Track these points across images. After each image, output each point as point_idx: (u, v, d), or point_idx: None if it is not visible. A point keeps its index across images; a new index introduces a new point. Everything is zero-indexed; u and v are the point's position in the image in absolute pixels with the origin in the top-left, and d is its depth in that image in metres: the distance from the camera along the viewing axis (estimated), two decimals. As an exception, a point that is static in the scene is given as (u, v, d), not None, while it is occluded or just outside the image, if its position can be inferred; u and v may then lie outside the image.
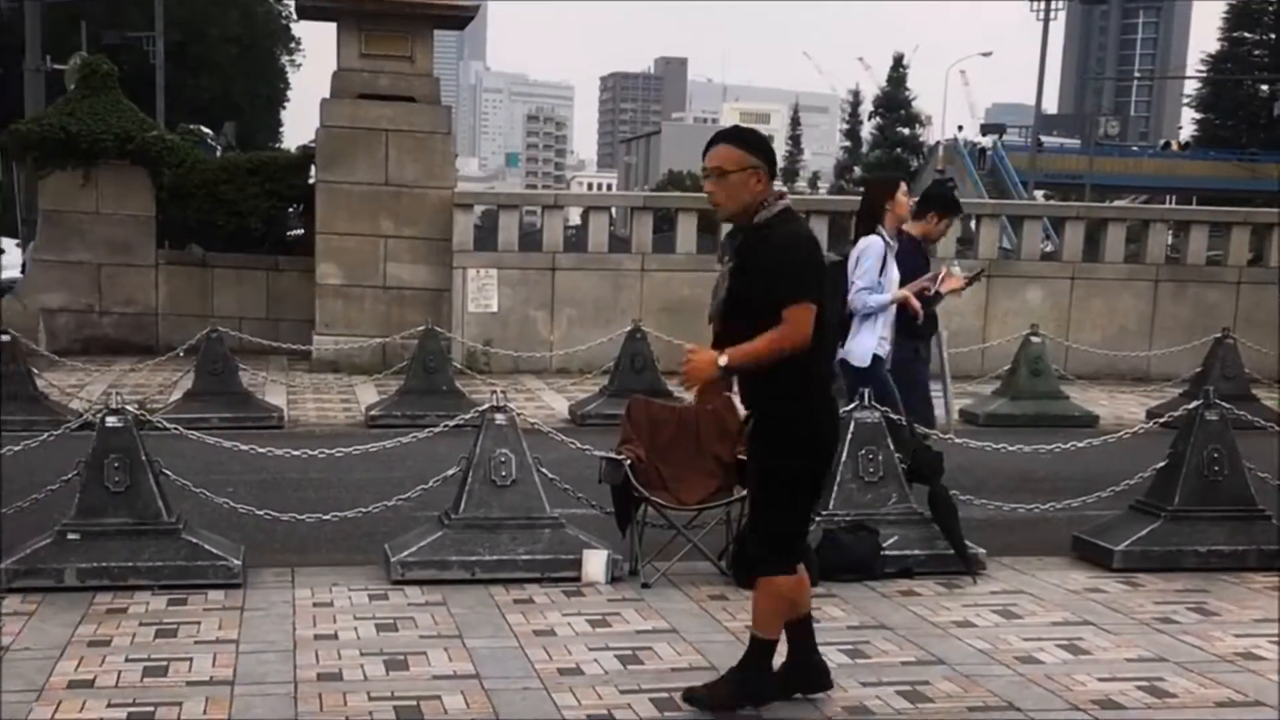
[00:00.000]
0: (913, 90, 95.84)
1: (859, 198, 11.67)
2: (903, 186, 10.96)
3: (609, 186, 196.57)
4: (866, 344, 10.54)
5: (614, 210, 27.31)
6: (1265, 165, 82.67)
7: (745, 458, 6.85)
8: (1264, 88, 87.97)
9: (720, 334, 6.45)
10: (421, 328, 17.81)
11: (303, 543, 10.25)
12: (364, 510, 9.72)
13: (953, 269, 11.64)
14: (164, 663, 7.14)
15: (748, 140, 6.51)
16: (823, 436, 6.47)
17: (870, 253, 10.54)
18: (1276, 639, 7.96)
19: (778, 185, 6.57)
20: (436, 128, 22.81)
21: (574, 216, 30.68)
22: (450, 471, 9.46)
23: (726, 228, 6.65)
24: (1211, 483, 9.79)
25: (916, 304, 10.93)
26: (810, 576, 8.84)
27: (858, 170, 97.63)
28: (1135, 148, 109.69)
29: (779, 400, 6.38)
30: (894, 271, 10.70)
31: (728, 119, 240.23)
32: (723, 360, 6.22)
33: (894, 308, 10.70)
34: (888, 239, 10.65)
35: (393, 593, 8.63)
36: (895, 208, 10.74)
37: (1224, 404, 10.04)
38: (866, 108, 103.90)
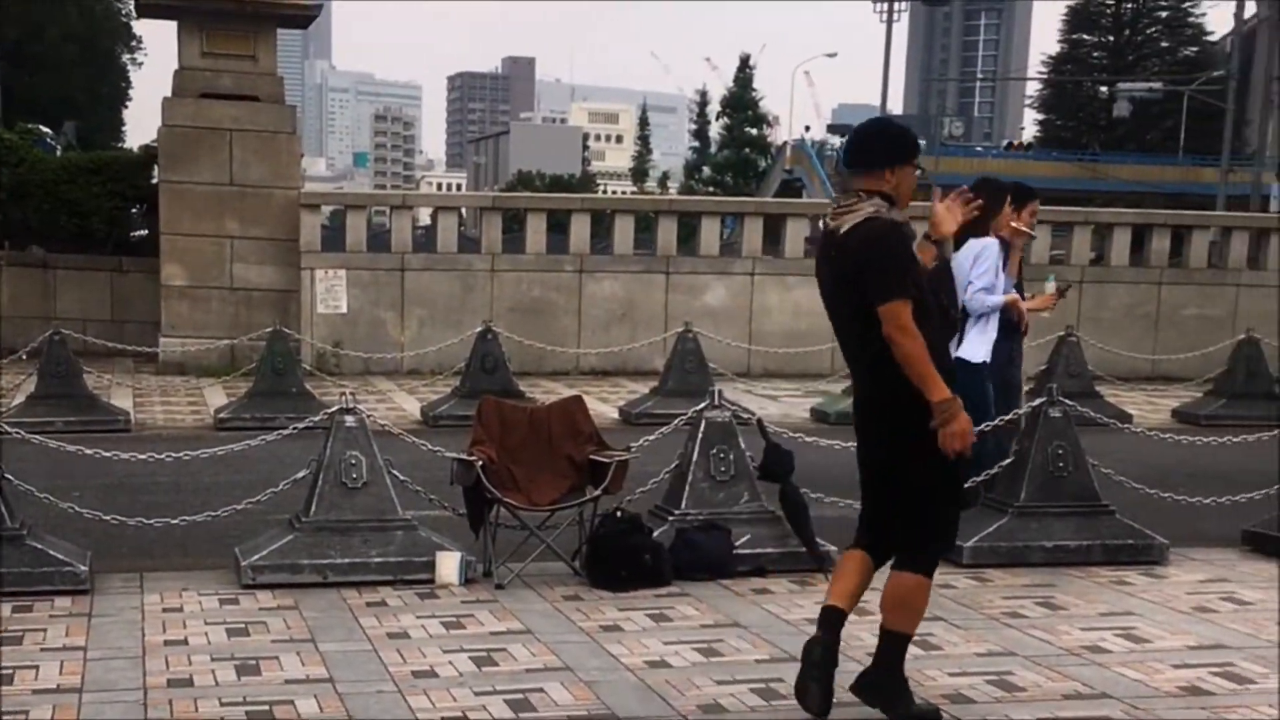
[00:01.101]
0: (760, 91, 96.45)
1: (710, 197, 11.72)
2: (1010, 195, 11.07)
3: (458, 186, 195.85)
4: (982, 344, 10.64)
5: (463, 210, 27.23)
6: (1105, 165, 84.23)
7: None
8: (1103, 89, 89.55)
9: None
10: (269, 329, 17.64)
11: (151, 547, 10.10)
12: (213, 514, 9.60)
13: (1046, 286, 11.71)
14: (9, 671, 7.01)
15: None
16: None
17: (989, 254, 10.62)
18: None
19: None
20: (281, 127, 22.61)
21: (423, 217, 30.50)
22: (300, 474, 9.38)
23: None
24: (1056, 479, 9.97)
25: (1024, 307, 11.09)
26: (663, 576, 8.93)
27: (706, 170, 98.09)
28: (979, 148, 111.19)
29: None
30: (1004, 274, 10.82)
31: (576, 119, 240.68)
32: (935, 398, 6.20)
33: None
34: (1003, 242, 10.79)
35: (243, 597, 8.54)
36: (1004, 215, 10.84)
37: (1067, 401, 10.22)
38: (714, 108, 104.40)
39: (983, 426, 10.24)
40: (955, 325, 7.00)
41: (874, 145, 6.50)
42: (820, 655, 6.46)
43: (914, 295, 6.15)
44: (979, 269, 10.54)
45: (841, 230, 6.32)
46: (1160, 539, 10.13)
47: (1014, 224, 11.01)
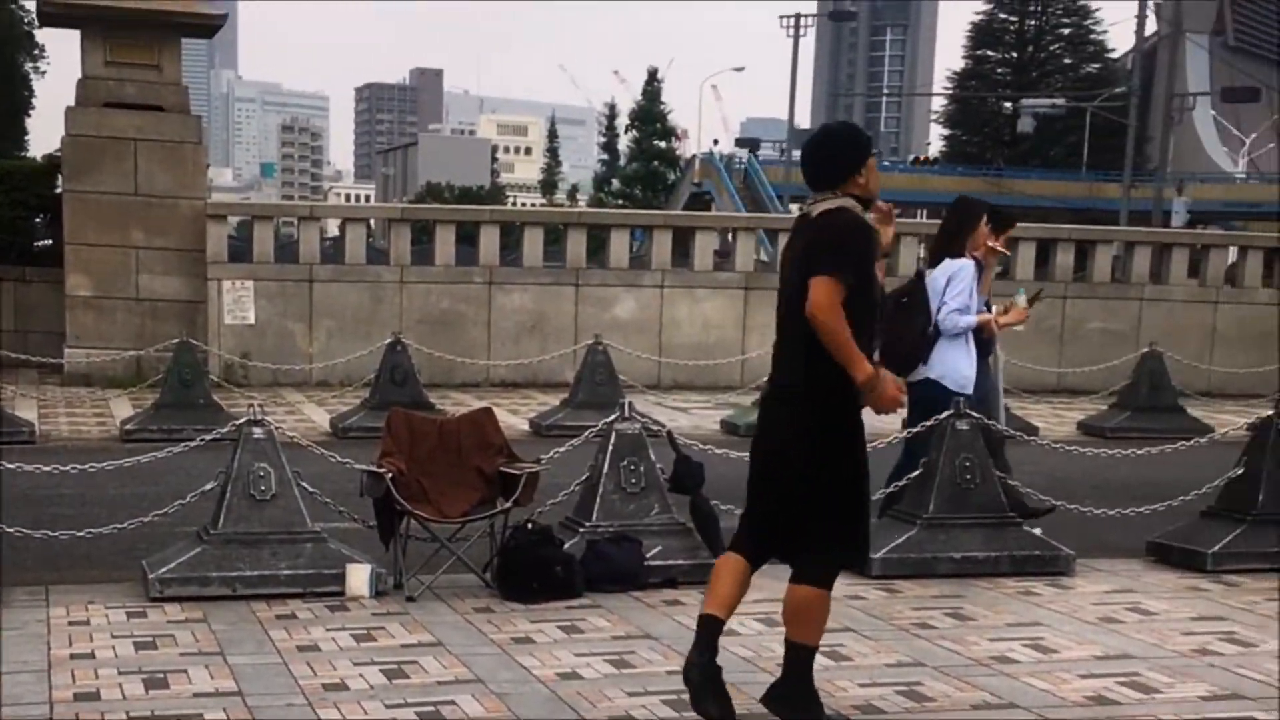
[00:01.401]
0: (668, 104, 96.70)
1: (619, 210, 11.78)
2: (985, 215, 11.16)
3: (366, 198, 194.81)
4: (964, 368, 10.69)
5: (372, 222, 27.17)
6: (1010, 180, 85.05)
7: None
8: (1007, 105, 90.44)
9: None
10: (176, 340, 17.50)
11: (57, 561, 9.98)
12: (120, 526, 9.49)
13: (1018, 300, 11.75)
14: (-89, 687, 6.91)
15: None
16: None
17: (963, 275, 10.66)
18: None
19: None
20: (187, 137, 22.45)
21: (332, 228, 30.39)
22: (208, 486, 9.29)
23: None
24: (964, 491, 10.05)
25: (995, 327, 11.24)
26: (574, 588, 8.93)
27: (615, 182, 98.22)
28: (886, 162, 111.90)
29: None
30: (977, 295, 10.87)
31: (485, 131, 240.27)
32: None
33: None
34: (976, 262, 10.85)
35: (151, 610, 8.45)
36: (979, 234, 10.93)
37: (974, 414, 10.30)
38: (623, 121, 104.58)
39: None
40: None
41: (836, 162, 6.53)
42: (698, 676, 6.46)
43: (851, 285, 6.21)
44: (954, 289, 10.61)
45: (814, 214, 6.43)
46: (1067, 550, 10.24)
47: (989, 243, 11.14)
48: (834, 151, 6.55)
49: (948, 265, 10.73)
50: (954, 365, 10.65)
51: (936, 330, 10.61)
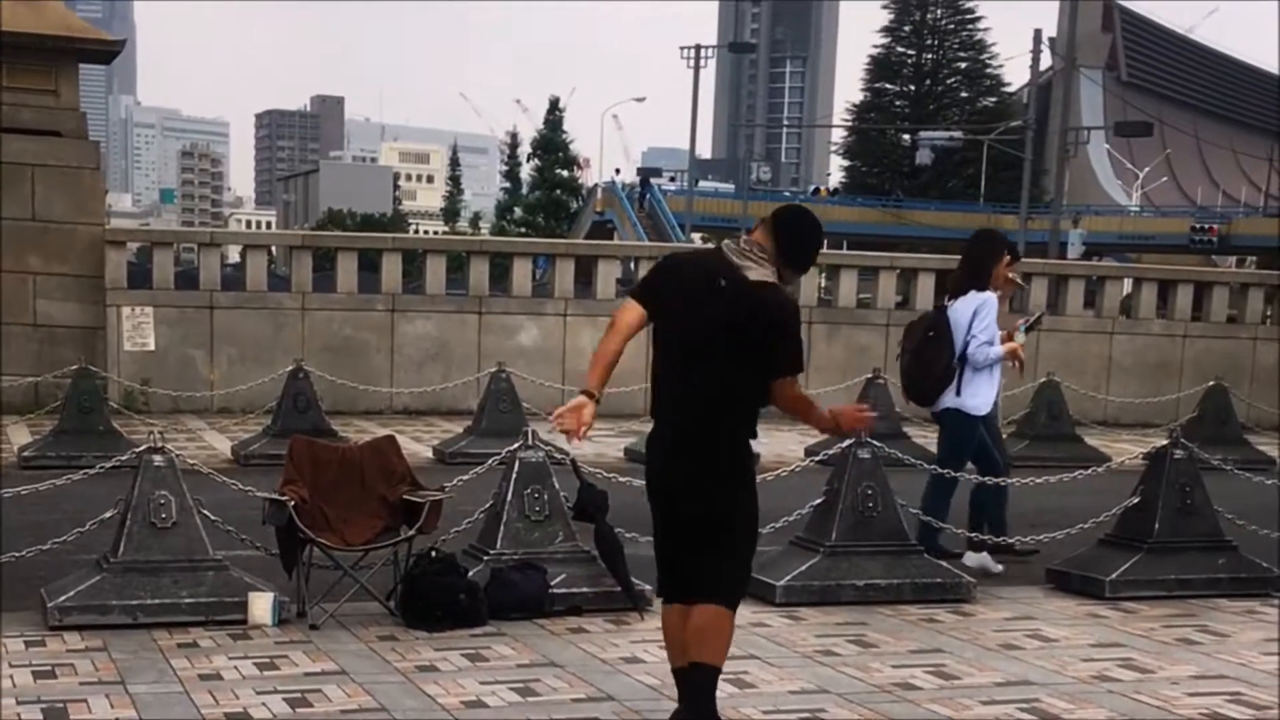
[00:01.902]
0: (570, 133, 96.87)
1: (522, 238, 11.85)
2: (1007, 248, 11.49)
3: (268, 224, 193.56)
4: (988, 395, 11.11)
5: (273, 249, 27.02)
6: (909, 211, 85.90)
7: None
8: (906, 137, 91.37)
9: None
10: (75, 367, 17.32)
11: (-49, 590, 9.84)
12: (18, 554, 9.37)
13: (1017, 336, 11.84)
14: None
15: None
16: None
17: (989, 307, 11.00)
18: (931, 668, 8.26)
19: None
20: (85, 163, 22.26)
21: (233, 254, 30.21)
22: (108, 514, 9.20)
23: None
24: (866, 519, 10.11)
25: (1023, 357, 11.68)
26: (479, 616, 8.91)
27: (518, 210, 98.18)
28: (787, 193, 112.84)
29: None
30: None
31: (386, 159, 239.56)
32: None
33: None
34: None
35: (50, 639, 8.35)
36: (1002, 267, 11.22)
37: (876, 443, 10.39)
38: (525, 149, 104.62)
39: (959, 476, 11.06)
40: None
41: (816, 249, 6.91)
42: None
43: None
44: (981, 321, 10.99)
45: (750, 279, 6.48)
46: (968, 577, 10.35)
47: (1008, 275, 11.41)
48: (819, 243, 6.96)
49: (973, 298, 11.07)
50: (978, 392, 11.12)
51: (961, 361, 10.95)
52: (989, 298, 11.04)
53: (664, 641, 6.87)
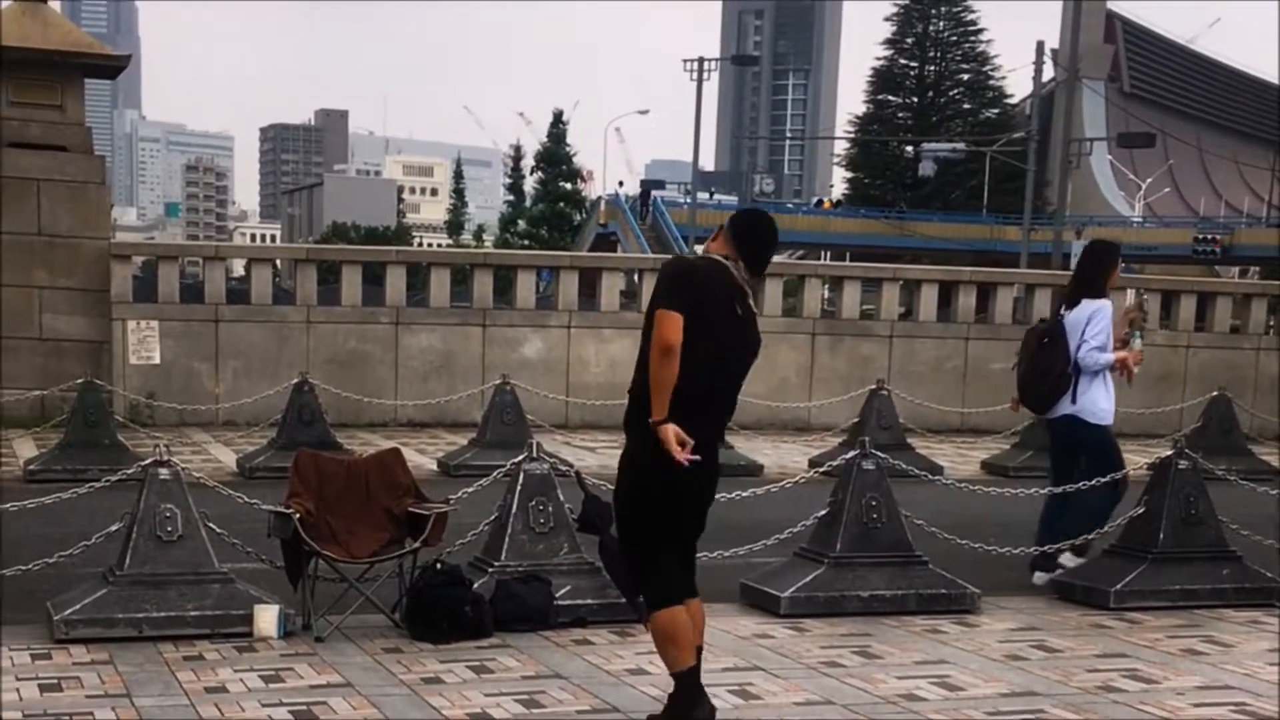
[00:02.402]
0: (573, 146, 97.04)
1: (526, 251, 11.90)
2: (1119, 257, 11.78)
3: (272, 238, 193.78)
4: (1105, 402, 11.19)
5: (278, 262, 27.05)
6: (912, 223, 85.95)
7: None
8: (908, 149, 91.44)
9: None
10: (81, 380, 17.35)
11: (-42, 603, 9.85)
12: (24, 568, 9.38)
13: (1134, 343, 11.89)
14: None
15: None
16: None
17: (1103, 314, 11.14)
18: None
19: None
20: (90, 177, 22.30)
21: (237, 268, 30.21)
22: (114, 527, 9.22)
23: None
24: (870, 530, 10.12)
25: (1132, 365, 11.52)
26: (484, 628, 8.93)
27: (522, 223, 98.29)
28: (790, 205, 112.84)
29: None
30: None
31: (390, 172, 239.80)
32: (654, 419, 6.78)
33: None
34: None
35: (56, 652, 8.37)
36: (1114, 274, 11.48)
37: (880, 454, 10.40)
38: (529, 162, 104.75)
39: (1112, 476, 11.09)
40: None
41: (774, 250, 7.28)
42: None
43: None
44: (1094, 328, 11.13)
45: (752, 306, 7.00)
46: (973, 588, 10.34)
47: (1131, 311, 11.68)
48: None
49: (1087, 305, 11.23)
50: (1093, 400, 11.19)
51: (1075, 369, 11.10)
52: (1103, 304, 11.25)
53: (679, 644, 6.94)
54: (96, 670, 8.01)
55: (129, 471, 9.92)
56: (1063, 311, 11.47)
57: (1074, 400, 11.21)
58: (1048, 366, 11.22)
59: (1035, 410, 11.86)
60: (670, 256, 6.78)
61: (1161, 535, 10.58)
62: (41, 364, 21.68)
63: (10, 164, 21.77)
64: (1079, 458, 11.46)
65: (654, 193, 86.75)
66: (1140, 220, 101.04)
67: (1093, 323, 11.13)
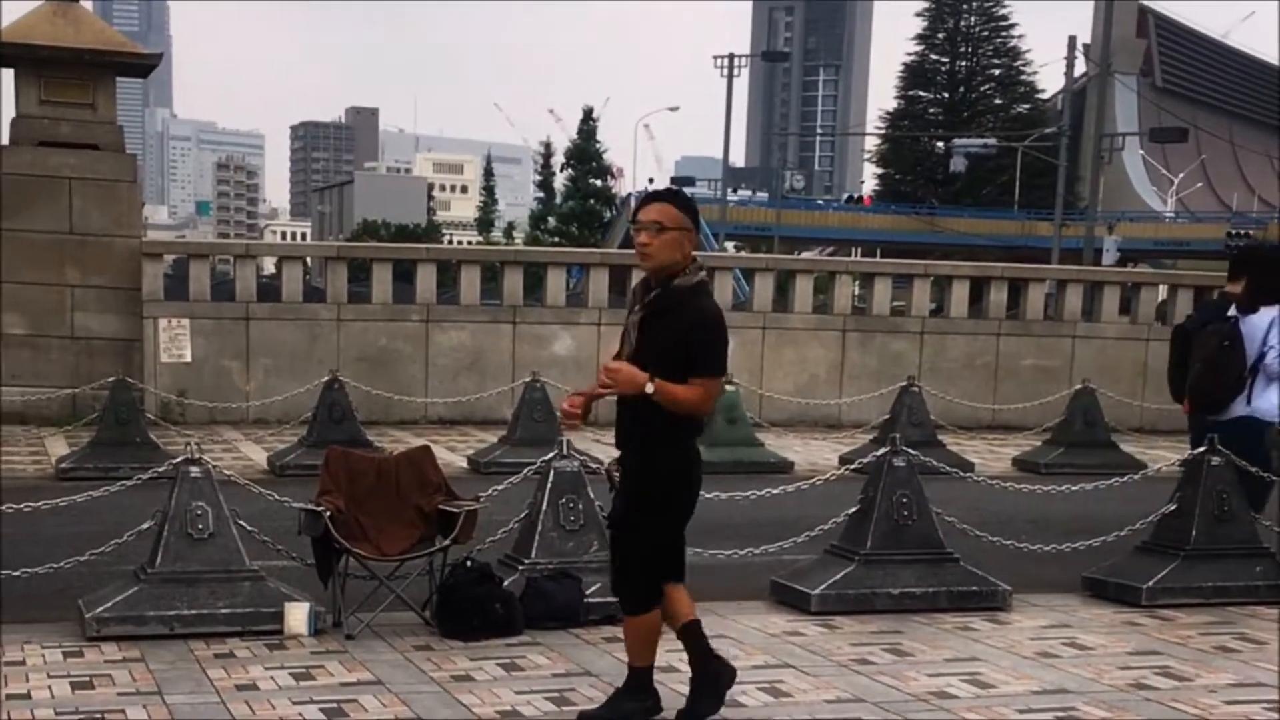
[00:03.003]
0: (603, 143, 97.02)
1: (556, 248, 11.93)
2: None
3: (303, 236, 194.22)
4: (1274, 401, 11.18)
5: (308, 260, 27.09)
6: (943, 219, 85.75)
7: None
8: (939, 144, 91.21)
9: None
10: (112, 379, 17.41)
11: (-9, 601, 9.89)
12: (56, 566, 9.42)
13: None
14: None
15: (685, 204, 6.94)
16: (694, 475, 7.10)
17: None
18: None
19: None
20: (122, 176, 22.36)
21: (268, 265, 30.29)
22: (145, 525, 9.25)
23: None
24: (901, 527, 10.09)
25: None
26: (514, 625, 8.92)
27: (551, 220, 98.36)
28: (820, 201, 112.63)
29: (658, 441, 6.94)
30: None
31: (421, 169, 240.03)
32: (650, 388, 6.66)
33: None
34: None
35: (88, 649, 8.40)
36: None
37: (910, 451, 10.37)
38: (559, 159, 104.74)
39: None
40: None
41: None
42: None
43: None
44: (1276, 335, 11.12)
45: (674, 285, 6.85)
46: (1003, 586, 10.30)
47: None
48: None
49: (1266, 312, 11.23)
50: (1269, 401, 11.18)
51: (1253, 371, 11.15)
52: None
53: (653, 645, 7.22)
54: (128, 668, 8.03)
55: (160, 469, 9.95)
56: (1240, 315, 11.43)
57: (1249, 402, 11.21)
58: (1226, 369, 11.22)
59: (1208, 413, 11.78)
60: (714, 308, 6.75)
61: (1194, 532, 10.53)
62: (73, 362, 21.77)
63: (42, 163, 21.85)
64: (1259, 452, 11.40)
65: (685, 190, 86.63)
66: (1173, 215, 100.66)
67: (1274, 330, 11.14)
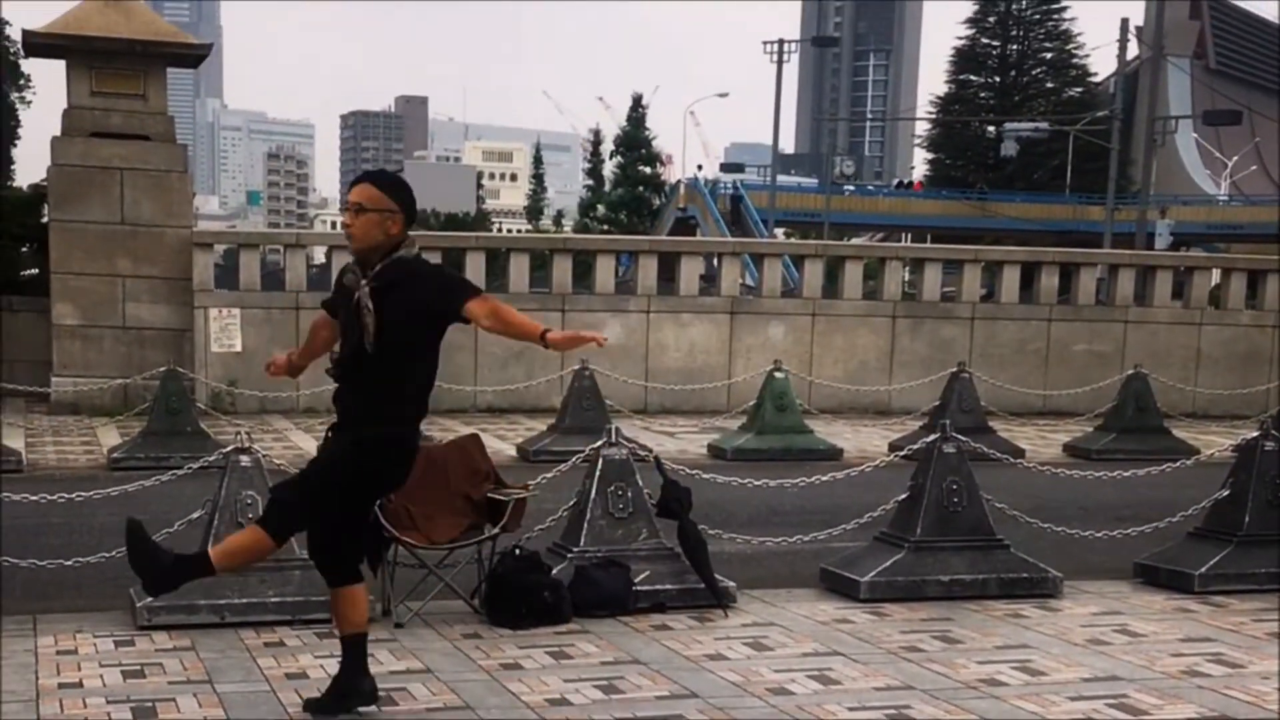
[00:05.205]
0: (652, 130, 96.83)
1: (605, 236, 11.93)
2: None
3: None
4: None
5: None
6: (994, 204, 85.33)
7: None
8: (990, 129, 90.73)
9: (351, 366, 7.04)
10: (163, 368, 17.51)
11: (45, 589, 9.93)
12: (107, 555, 9.45)
13: None
14: (-101, 717, 6.89)
15: (388, 184, 6.97)
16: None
17: None
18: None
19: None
20: (173, 166, 22.49)
21: (318, 255, 30.37)
22: (195, 515, 9.30)
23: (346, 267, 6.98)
24: (951, 513, 10.05)
25: None
26: (563, 613, 8.92)
27: (601, 208, 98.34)
28: (870, 186, 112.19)
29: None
30: None
31: (470, 158, 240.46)
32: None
33: None
34: None
35: (139, 638, 8.44)
36: None
37: (960, 437, 10.33)
38: (608, 147, 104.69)
39: None
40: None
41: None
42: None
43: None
44: None
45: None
46: (1054, 572, 10.25)
47: None
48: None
49: None
50: None
51: None
52: None
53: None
54: (179, 657, 8.07)
55: (210, 459, 10.02)
56: None
57: None
58: None
59: None
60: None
61: (1247, 518, 10.46)
62: (125, 352, 21.92)
63: (93, 154, 22.00)
64: None
65: (733, 176, 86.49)
66: (1226, 199, 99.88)
67: None
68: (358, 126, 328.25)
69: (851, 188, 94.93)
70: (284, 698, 7.31)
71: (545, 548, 9.76)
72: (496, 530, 9.18)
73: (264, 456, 9.34)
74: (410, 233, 6.95)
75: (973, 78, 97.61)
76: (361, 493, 6.99)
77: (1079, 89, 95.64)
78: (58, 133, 22.25)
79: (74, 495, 10.11)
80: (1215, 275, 27.72)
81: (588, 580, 9.26)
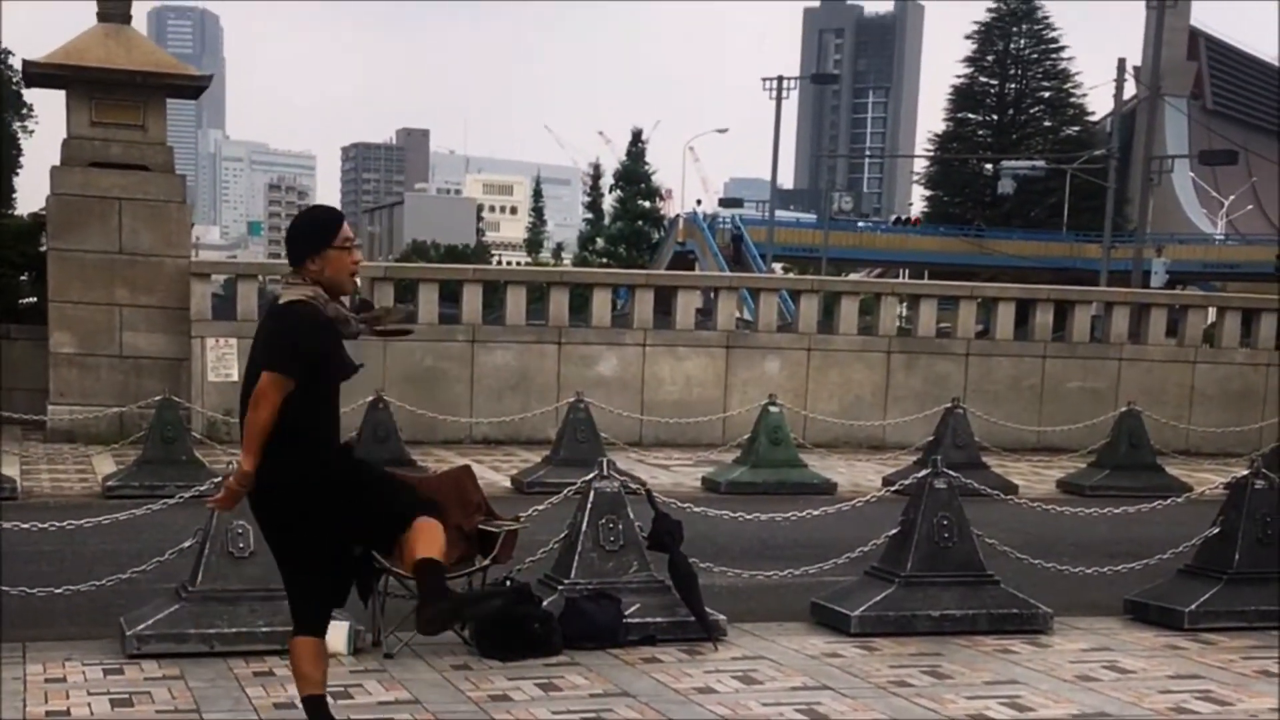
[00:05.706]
0: (652, 164, 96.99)
1: (601, 269, 11.95)
2: None
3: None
4: None
5: (357, 280, 27.10)
6: (991, 240, 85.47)
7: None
8: (988, 166, 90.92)
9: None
10: (159, 397, 17.54)
11: (35, 617, 9.90)
12: (98, 583, 9.49)
13: None
14: (-113, 743, 6.90)
15: None
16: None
17: None
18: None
19: None
20: (172, 196, 22.55)
21: (315, 286, 30.39)
22: (188, 543, 9.30)
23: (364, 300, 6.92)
24: (942, 549, 10.07)
25: None
26: (553, 645, 8.93)
27: (600, 241, 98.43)
28: (862, 223, 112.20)
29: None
30: None
31: (471, 190, 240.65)
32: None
33: None
34: None
35: (129, 667, 8.45)
36: None
37: (952, 473, 10.35)
38: (608, 181, 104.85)
39: None
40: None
41: (294, 241, 6.79)
42: None
43: (296, 377, 6.57)
44: None
45: (280, 300, 6.68)
46: (1044, 608, 10.27)
47: None
48: (299, 236, 6.80)
49: None
50: None
51: None
52: None
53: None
54: (168, 685, 8.08)
55: (204, 488, 10.01)
56: None
57: None
58: None
59: None
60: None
61: (1237, 555, 10.48)
62: (122, 381, 21.94)
63: (92, 183, 22.05)
64: None
65: (732, 212, 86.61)
66: (1223, 238, 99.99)
67: None
68: (359, 158, 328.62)
69: (865, 224, 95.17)
70: (272, 727, 7.31)
71: (536, 579, 9.78)
72: (487, 562, 9.21)
73: (256, 486, 9.33)
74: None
75: (971, 116, 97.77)
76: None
77: (1076, 128, 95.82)
78: (57, 162, 22.31)
79: (66, 523, 10.12)
80: (1210, 314, 27.78)
81: (578, 612, 9.27)
